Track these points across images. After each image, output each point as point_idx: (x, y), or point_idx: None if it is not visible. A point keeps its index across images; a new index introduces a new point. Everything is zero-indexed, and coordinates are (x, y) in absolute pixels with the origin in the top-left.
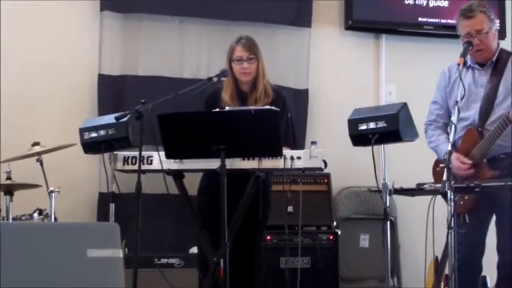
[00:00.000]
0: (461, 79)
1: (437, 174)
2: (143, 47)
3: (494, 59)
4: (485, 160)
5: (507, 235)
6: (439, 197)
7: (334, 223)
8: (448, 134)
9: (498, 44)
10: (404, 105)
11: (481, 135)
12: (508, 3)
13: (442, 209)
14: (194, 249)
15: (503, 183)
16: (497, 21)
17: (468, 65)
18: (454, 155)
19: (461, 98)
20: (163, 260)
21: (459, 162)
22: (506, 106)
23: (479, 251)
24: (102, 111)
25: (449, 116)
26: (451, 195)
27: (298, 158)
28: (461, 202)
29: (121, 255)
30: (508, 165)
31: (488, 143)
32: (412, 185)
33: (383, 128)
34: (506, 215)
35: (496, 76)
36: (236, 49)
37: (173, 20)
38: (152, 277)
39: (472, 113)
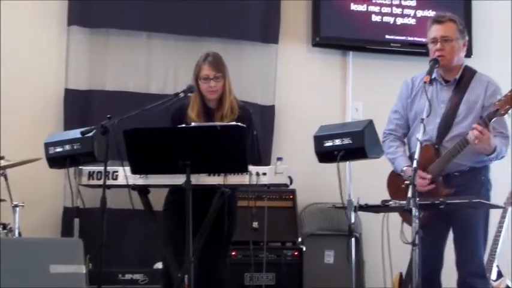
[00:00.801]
0: (427, 97)
1: (392, 191)
2: (110, 61)
3: (458, 76)
4: (441, 178)
5: (464, 252)
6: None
7: (299, 239)
8: (405, 145)
9: (463, 61)
10: (370, 122)
11: (437, 153)
12: (474, 22)
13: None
14: (159, 265)
15: (467, 201)
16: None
17: (433, 77)
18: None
19: (427, 116)
20: (128, 276)
21: (419, 178)
22: (466, 125)
23: (438, 266)
24: (68, 126)
25: (408, 127)
26: (415, 212)
27: (264, 174)
28: None
29: (84, 271)
30: (462, 183)
31: (445, 161)
32: (377, 201)
33: (348, 145)
34: (463, 231)
35: (458, 94)
36: (203, 67)
37: (141, 35)
38: None
39: (431, 128)
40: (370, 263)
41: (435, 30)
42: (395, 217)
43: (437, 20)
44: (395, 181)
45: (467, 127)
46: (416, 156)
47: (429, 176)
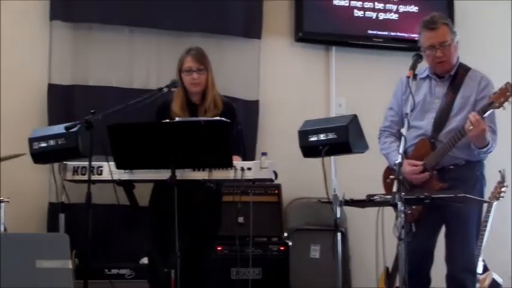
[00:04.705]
0: (411, 92)
1: (387, 185)
2: (93, 56)
3: (452, 72)
4: (435, 172)
5: (456, 247)
6: (388, 207)
7: (285, 234)
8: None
9: (458, 57)
10: (354, 117)
11: (433, 146)
12: (456, 16)
13: (392, 218)
14: (145, 260)
15: (452, 195)
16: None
17: (426, 75)
18: (405, 162)
19: (411, 110)
20: (114, 271)
21: (411, 166)
22: (460, 119)
23: (427, 261)
24: (52, 121)
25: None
26: (401, 207)
27: (249, 168)
28: (409, 211)
29: (70, 266)
30: (456, 177)
31: (440, 154)
32: (363, 196)
33: (333, 139)
34: (455, 226)
35: (453, 90)
36: (186, 60)
37: (123, 30)
38: None
39: (426, 122)
40: (357, 257)
41: (430, 38)
42: (389, 212)
43: (430, 28)
44: (390, 175)
45: (461, 120)
46: (400, 150)
47: (420, 163)
